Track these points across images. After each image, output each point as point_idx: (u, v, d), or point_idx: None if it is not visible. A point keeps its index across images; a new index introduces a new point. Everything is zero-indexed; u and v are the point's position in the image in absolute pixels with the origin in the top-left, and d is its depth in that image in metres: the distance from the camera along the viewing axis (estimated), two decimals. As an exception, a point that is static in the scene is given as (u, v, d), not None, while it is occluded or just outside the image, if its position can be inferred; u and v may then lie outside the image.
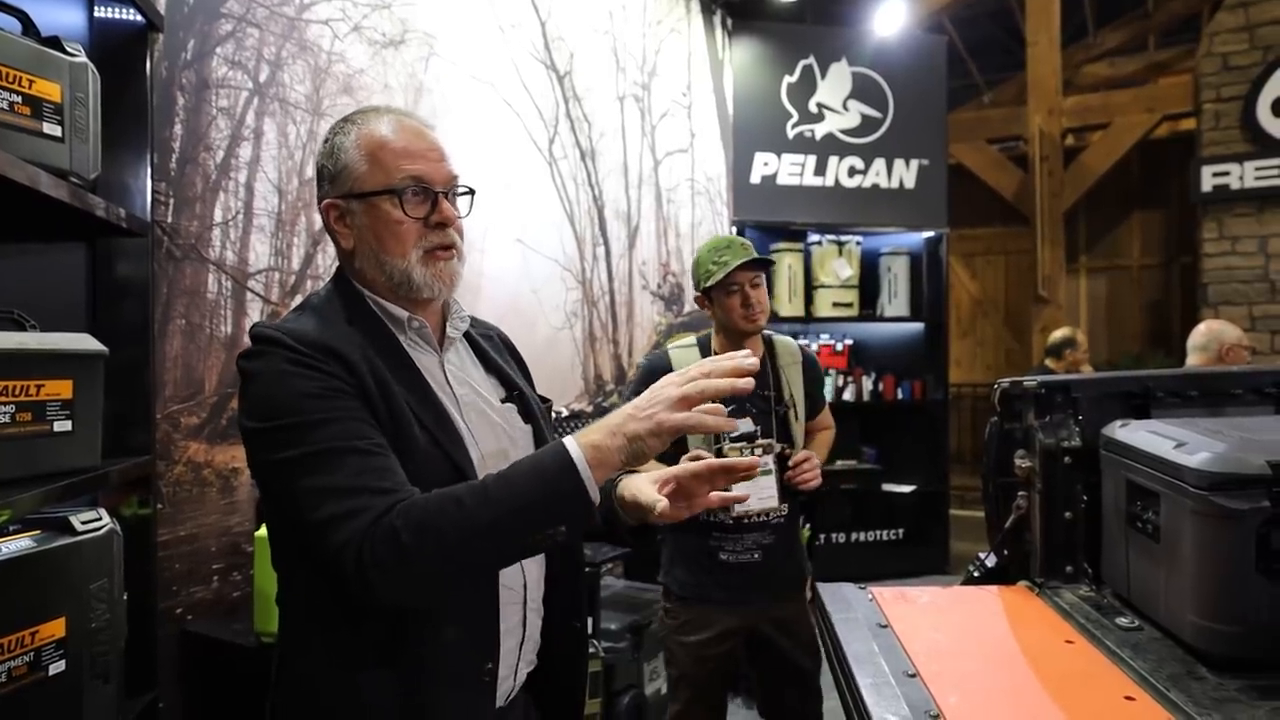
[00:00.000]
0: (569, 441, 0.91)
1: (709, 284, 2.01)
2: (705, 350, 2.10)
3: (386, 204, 1.05)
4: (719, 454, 1.92)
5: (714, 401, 0.91)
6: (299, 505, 0.92)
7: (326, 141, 1.09)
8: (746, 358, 0.92)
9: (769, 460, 1.95)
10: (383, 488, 0.90)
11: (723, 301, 2.02)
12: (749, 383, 0.91)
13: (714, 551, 1.99)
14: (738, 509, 1.91)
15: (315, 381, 0.95)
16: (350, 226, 1.08)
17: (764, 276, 2.04)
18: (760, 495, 1.94)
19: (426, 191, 1.06)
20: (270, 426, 0.95)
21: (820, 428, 2.23)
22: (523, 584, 1.08)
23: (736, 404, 1.99)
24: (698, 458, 1.85)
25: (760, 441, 1.96)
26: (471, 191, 1.12)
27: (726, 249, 2.01)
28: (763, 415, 2.03)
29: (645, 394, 0.92)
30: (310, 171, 2.46)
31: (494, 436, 1.11)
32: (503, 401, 1.16)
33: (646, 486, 1.11)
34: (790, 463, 1.99)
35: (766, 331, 2.13)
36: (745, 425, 2.00)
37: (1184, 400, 1.49)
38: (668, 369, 2.02)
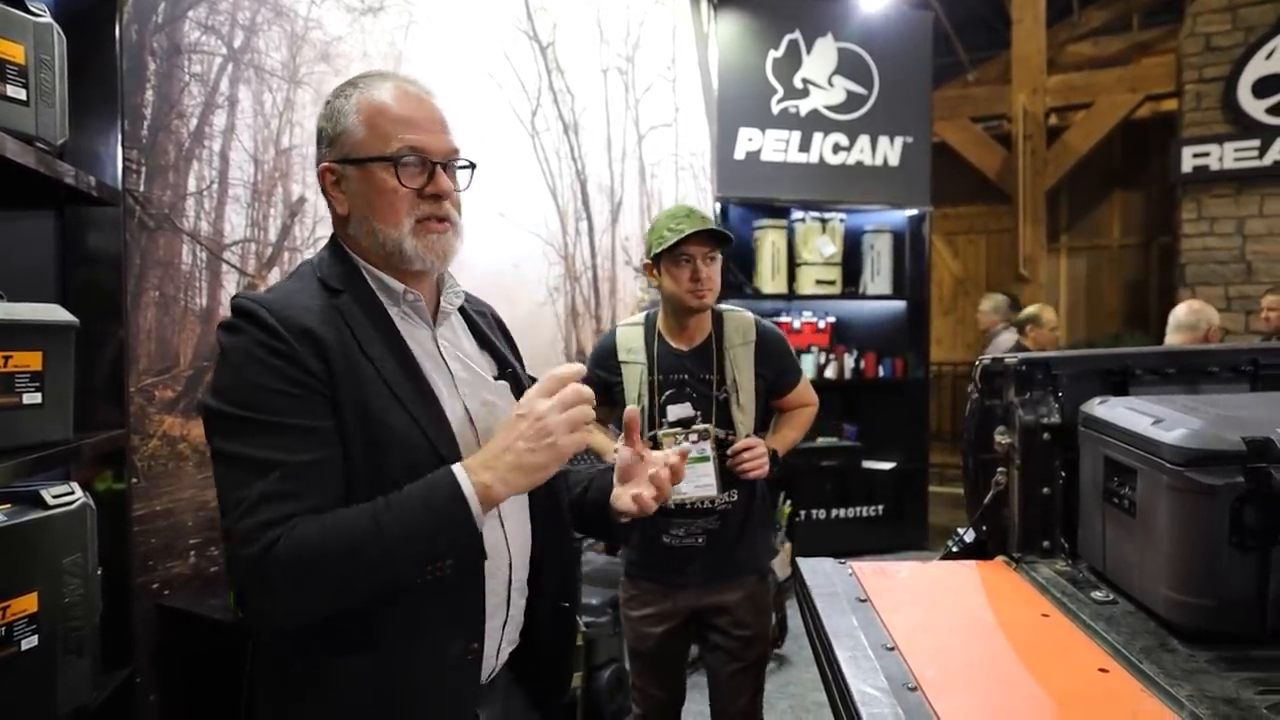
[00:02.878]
0: (460, 477, 0.92)
1: (659, 249, 1.91)
2: (651, 328, 2.02)
3: (382, 171, 1.03)
4: (654, 440, 1.90)
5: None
6: (219, 502, 0.94)
7: (327, 104, 1.08)
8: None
9: (706, 447, 1.90)
10: (279, 517, 0.89)
11: (672, 271, 1.93)
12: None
13: (658, 534, 1.96)
14: (675, 496, 1.87)
15: (278, 374, 0.93)
16: (345, 192, 1.06)
17: (719, 254, 1.95)
18: (697, 483, 1.89)
19: (424, 162, 1.05)
20: (223, 410, 0.94)
21: (795, 404, 2.10)
22: (508, 563, 1.07)
23: (675, 388, 1.96)
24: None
25: (696, 427, 1.91)
26: (472, 165, 1.11)
27: (685, 218, 1.92)
28: (702, 400, 1.96)
29: (527, 425, 0.94)
30: (287, 141, 2.41)
31: (489, 413, 1.09)
32: (495, 379, 1.15)
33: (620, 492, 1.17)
34: (730, 450, 1.92)
35: (720, 307, 2.04)
36: (684, 410, 1.95)
37: (1162, 378, 1.50)
38: (614, 349, 2.03)
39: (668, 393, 1.97)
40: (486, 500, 0.92)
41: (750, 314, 2.06)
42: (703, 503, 1.92)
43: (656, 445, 1.89)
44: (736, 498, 1.97)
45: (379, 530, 0.89)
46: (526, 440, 0.92)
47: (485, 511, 0.92)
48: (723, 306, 2.06)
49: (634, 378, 1.98)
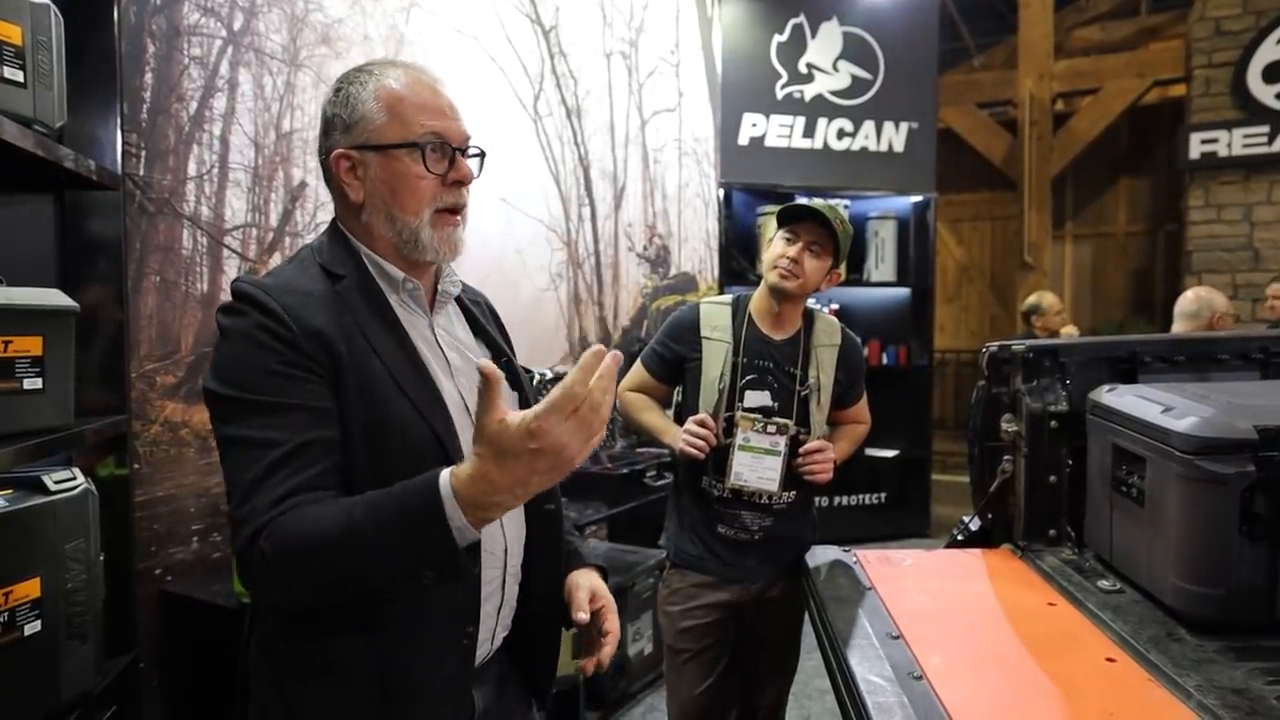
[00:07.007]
0: (445, 490, 0.83)
1: (779, 215, 1.91)
2: (740, 309, 1.96)
3: (406, 158, 1.03)
4: (729, 423, 1.86)
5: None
6: (225, 485, 0.95)
7: (338, 91, 1.06)
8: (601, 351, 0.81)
9: (780, 441, 1.84)
10: (275, 498, 0.88)
11: (774, 243, 1.91)
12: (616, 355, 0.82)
13: (713, 523, 1.92)
14: (733, 481, 1.84)
15: (276, 356, 0.93)
16: (362, 179, 1.05)
17: (830, 256, 1.90)
18: (760, 474, 1.84)
19: (445, 148, 1.04)
20: (223, 394, 0.94)
21: (852, 420, 2.08)
22: (503, 548, 1.07)
23: (757, 374, 1.90)
24: (703, 423, 1.84)
25: (775, 420, 1.85)
26: (483, 154, 1.10)
27: (823, 208, 1.88)
28: (783, 392, 1.90)
29: (546, 462, 0.79)
30: (288, 125, 2.39)
31: None
32: None
33: (581, 593, 1.14)
34: (800, 450, 1.86)
35: (814, 305, 2.01)
36: (762, 398, 1.88)
37: (1171, 365, 1.49)
38: (696, 324, 1.95)
39: (749, 377, 1.90)
40: (479, 522, 0.84)
41: (837, 321, 2.05)
42: (759, 496, 1.88)
43: (732, 427, 1.85)
44: (793, 499, 1.91)
45: (355, 538, 0.85)
46: (542, 475, 0.81)
47: (480, 526, 0.86)
48: (814, 304, 2.01)
49: (717, 355, 1.91)
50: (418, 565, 0.86)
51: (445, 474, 0.84)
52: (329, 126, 1.06)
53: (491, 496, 0.82)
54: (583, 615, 1.11)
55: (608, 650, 1.12)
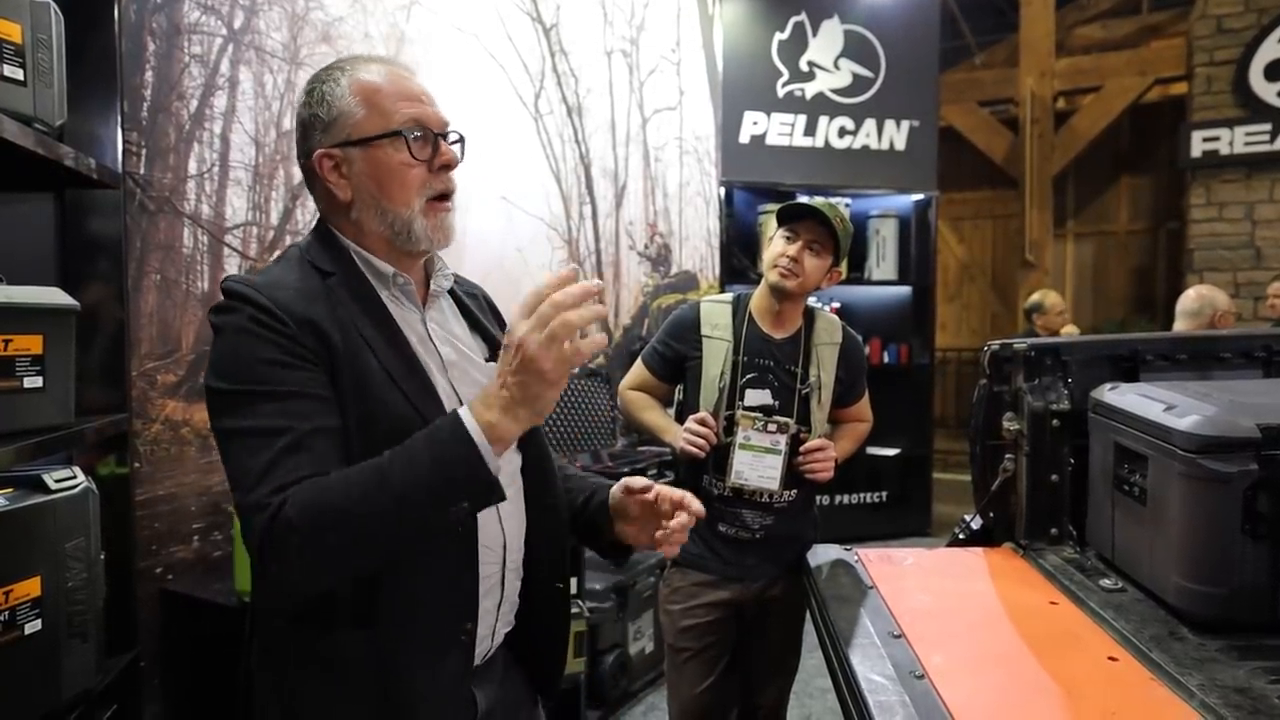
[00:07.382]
0: (463, 414, 0.88)
1: (779, 213, 1.92)
2: (741, 307, 1.96)
3: (389, 148, 1.02)
4: (730, 421, 1.87)
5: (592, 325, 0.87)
6: (229, 479, 0.93)
7: (311, 92, 1.05)
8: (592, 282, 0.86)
9: (781, 440, 1.85)
10: (290, 481, 0.87)
11: (775, 241, 1.91)
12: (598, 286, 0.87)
13: (714, 521, 1.92)
14: (734, 479, 1.84)
15: (275, 347, 0.93)
16: (347, 176, 1.04)
17: (830, 255, 1.91)
18: (761, 473, 1.85)
19: (427, 134, 1.04)
20: (223, 389, 0.93)
21: (854, 418, 2.09)
22: (501, 544, 1.07)
23: (757, 373, 1.90)
24: (703, 421, 1.84)
25: (776, 419, 1.85)
26: (462, 138, 1.10)
27: (824, 207, 1.88)
28: (784, 390, 1.90)
29: (511, 355, 0.85)
30: (288, 123, 2.39)
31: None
32: (486, 361, 1.14)
33: (634, 482, 1.13)
34: (801, 449, 1.87)
35: (815, 303, 2.01)
36: (763, 397, 1.89)
37: (1173, 363, 1.49)
38: (697, 322, 1.95)
39: (749, 376, 1.90)
40: (496, 438, 0.87)
41: (837, 319, 2.04)
42: (759, 495, 1.88)
43: (732, 426, 1.85)
44: (794, 497, 1.91)
45: (385, 478, 0.87)
46: (513, 373, 0.85)
47: (500, 451, 0.89)
48: (816, 303, 2.00)
49: (717, 354, 1.91)
50: (450, 492, 0.88)
51: (460, 407, 0.90)
52: (307, 129, 1.05)
53: (491, 398, 0.87)
54: (644, 480, 1.11)
55: (696, 507, 1.08)
